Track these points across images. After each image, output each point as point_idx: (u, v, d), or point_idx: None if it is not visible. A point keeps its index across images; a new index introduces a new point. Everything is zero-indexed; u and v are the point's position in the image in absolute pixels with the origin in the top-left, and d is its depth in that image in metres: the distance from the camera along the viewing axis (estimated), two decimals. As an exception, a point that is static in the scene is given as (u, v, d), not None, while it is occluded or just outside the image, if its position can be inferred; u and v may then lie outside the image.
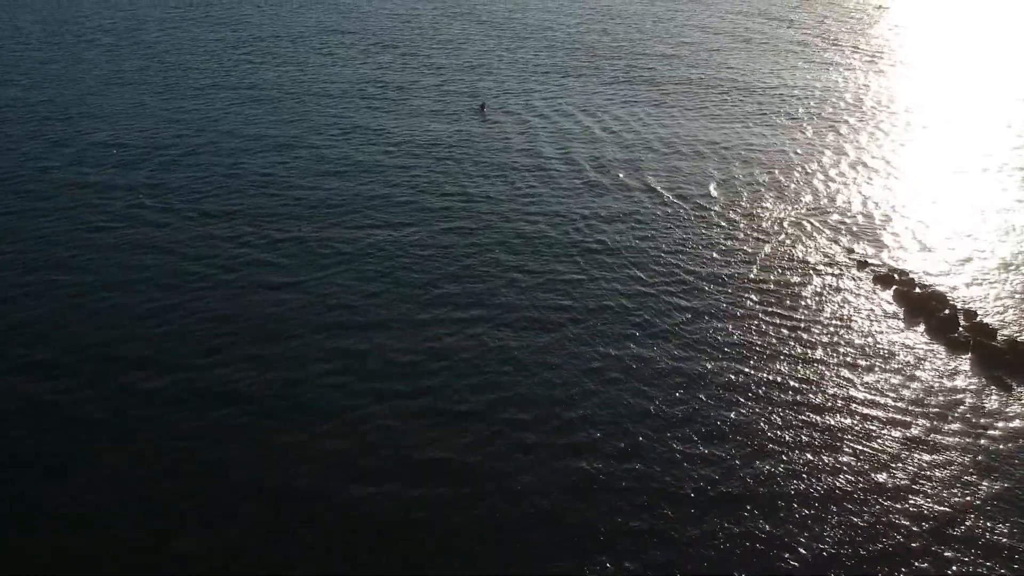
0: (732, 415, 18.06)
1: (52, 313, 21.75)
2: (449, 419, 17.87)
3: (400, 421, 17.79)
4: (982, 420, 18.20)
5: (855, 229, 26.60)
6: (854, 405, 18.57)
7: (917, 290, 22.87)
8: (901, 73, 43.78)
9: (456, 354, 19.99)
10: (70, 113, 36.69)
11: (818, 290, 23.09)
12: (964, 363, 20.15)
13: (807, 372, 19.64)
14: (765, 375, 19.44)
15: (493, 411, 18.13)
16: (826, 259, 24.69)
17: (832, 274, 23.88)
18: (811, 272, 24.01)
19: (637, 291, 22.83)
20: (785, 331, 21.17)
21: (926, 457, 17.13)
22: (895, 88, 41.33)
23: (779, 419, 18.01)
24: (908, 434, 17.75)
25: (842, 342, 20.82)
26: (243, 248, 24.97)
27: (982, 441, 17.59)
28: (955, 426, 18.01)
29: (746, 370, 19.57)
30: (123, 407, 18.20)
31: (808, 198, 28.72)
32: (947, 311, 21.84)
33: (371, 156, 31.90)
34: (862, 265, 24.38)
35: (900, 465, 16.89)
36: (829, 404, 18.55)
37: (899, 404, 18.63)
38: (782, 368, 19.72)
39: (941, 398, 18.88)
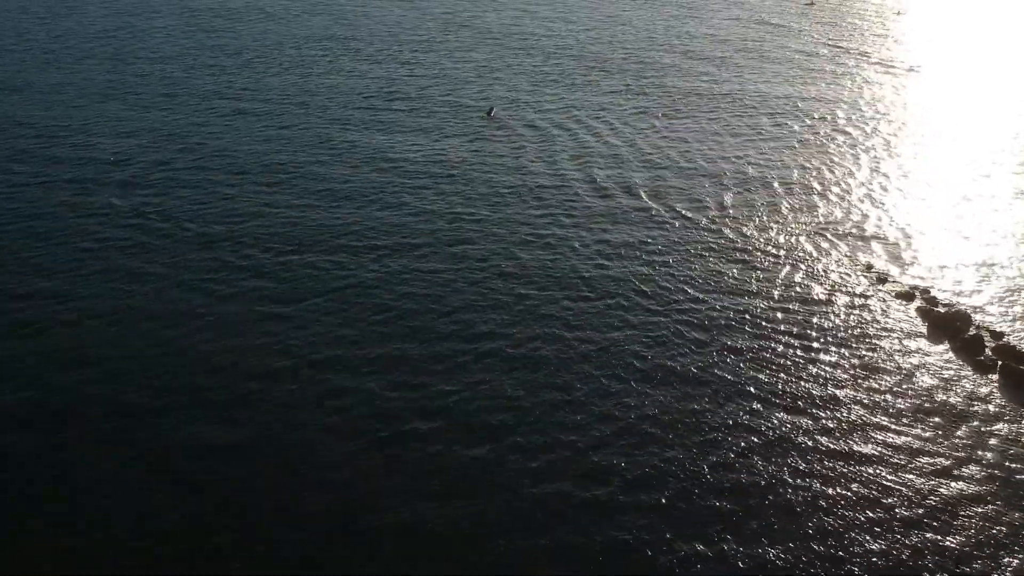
0: (761, 466, 17.09)
1: (37, 349, 20.77)
2: (454, 473, 16.84)
3: (399, 476, 16.80)
4: (1011, 448, 17.37)
5: (874, 245, 25.84)
6: (880, 442, 17.85)
7: (940, 309, 22.01)
8: (920, 82, 42.83)
9: (456, 396, 18.88)
10: (68, 124, 35.96)
11: (838, 309, 22.34)
12: (991, 387, 19.33)
13: (833, 409, 18.85)
14: (791, 415, 18.60)
15: (502, 464, 17.04)
16: (845, 276, 23.93)
17: (851, 292, 23.11)
18: (830, 290, 23.28)
19: (648, 323, 21.76)
20: (807, 360, 20.37)
21: (954, 490, 16.39)
22: (913, 98, 40.46)
23: (810, 468, 17.13)
24: (935, 465, 17.01)
25: (864, 366, 20.07)
26: (238, 275, 23.90)
27: (1012, 470, 16.77)
28: (984, 455, 17.28)
29: (770, 411, 18.68)
30: (105, 457, 17.26)
31: (824, 213, 27.91)
32: (972, 331, 20.98)
33: (373, 175, 30.96)
34: (882, 281, 23.53)
35: (932, 501, 16.20)
36: (857, 443, 17.77)
37: (925, 433, 17.90)
38: (807, 407, 18.91)
39: (968, 425, 18.13)
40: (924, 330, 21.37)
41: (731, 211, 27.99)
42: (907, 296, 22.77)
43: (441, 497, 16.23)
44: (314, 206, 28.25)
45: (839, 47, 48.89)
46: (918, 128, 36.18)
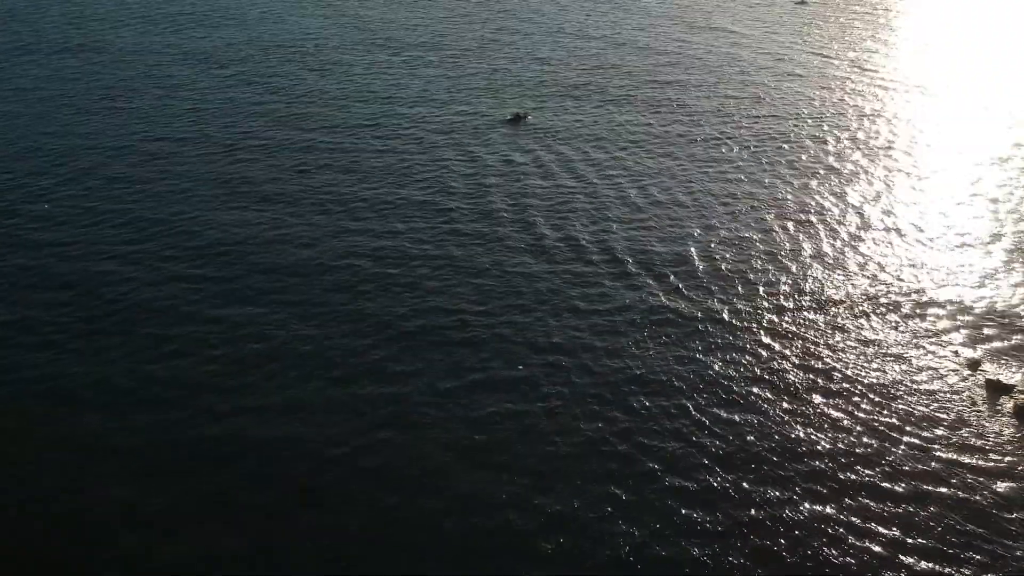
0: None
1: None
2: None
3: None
4: None
5: (942, 316, 23.10)
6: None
7: (1043, 406, 19.95)
8: (930, 96, 40.20)
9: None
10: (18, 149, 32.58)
11: (919, 409, 19.60)
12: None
13: (922, 529, 16.67)
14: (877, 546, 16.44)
15: None
16: (912, 357, 21.28)
17: (930, 382, 20.46)
18: (904, 382, 20.48)
19: (675, 434, 18.74)
20: (881, 466, 17.95)
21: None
22: (932, 115, 37.63)
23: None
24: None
25: (958, 492, 17.50)
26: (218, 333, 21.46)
27: None
28: None
29: (850, 541, 16.51)
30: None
31: (879, 273, 25.13)
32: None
33: (384, 199, 28.50)
34: (974, 366, 21.00)
35: None
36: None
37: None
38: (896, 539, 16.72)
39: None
40: (1025, 432, 19.37)
41: (766, 260, 25.24)
42: (1001, 388, 20.35)
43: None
44: (317, 241, 25.79)
45: (850, 56, 46.45)
46: (951, 151, 33.55)
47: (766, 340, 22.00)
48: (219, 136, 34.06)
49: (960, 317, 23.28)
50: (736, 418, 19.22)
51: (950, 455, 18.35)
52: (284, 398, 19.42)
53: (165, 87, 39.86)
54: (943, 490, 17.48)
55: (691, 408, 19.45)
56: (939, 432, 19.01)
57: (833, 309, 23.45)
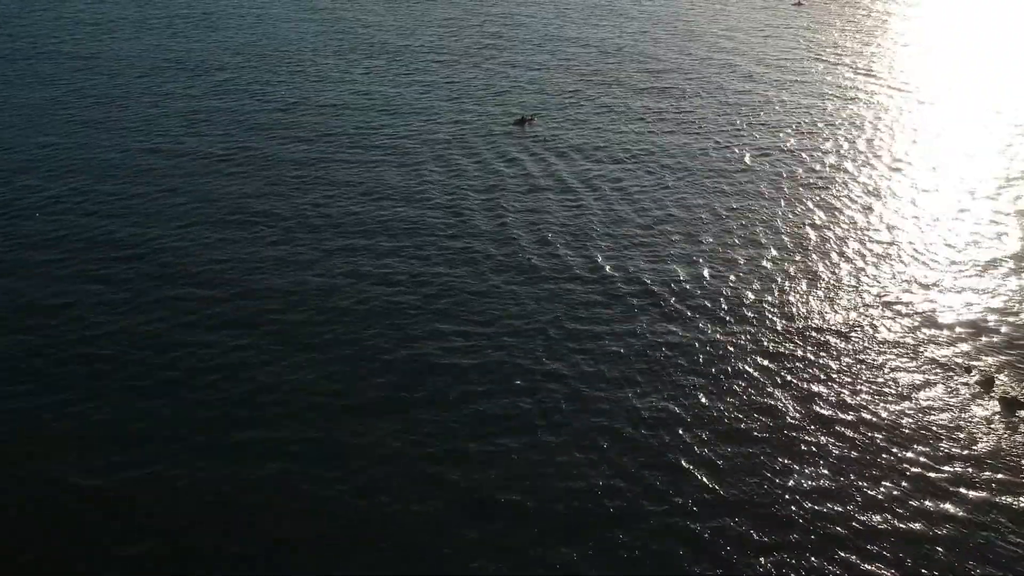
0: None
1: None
2: None
3: None
4: None
5: (953, 330, 22.40)
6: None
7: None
8: (958, 108, 39.30)
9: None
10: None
11: (923, 420, 18.90)
12: None
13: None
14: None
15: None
16: (924, 376, 20.52)
17: (938, 396, 19.76)
18: (905, 390, 19.90)
19: (671, 458, 18.02)
20: (894, 499, 17.17)
21: None
22: (956, 129, 36.69)
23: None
24: None
25: (980, 511, 16.75)
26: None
27: None
28: None
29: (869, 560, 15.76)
30: None
31: (883, 290, 24.39)
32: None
33: (380, 216, 27.72)
34: (988, 384, 20.18)
35: None
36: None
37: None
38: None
39: None
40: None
41: (770, 289, 24.37)
42: (1016, 405, 19.49)
43: None
44: (311, 266, 24.75)
45: (879, 74, 45.74)
46: (962, 160, 32.77)
47: (771, 366, 21.22)
48: (213, 148, 33.36)
49: (972, 334, 22.58)
50: (743, 451, 18.47)
51: (968, 490, 17.53)
52: (274, 437, 18.61)
53: (158, 94, 39.21)
54: (964, 531, 16.71)
55: (694, 444, 18.68)
56: (955, 458, 18.21)
57: (840, 329, 22.75)
